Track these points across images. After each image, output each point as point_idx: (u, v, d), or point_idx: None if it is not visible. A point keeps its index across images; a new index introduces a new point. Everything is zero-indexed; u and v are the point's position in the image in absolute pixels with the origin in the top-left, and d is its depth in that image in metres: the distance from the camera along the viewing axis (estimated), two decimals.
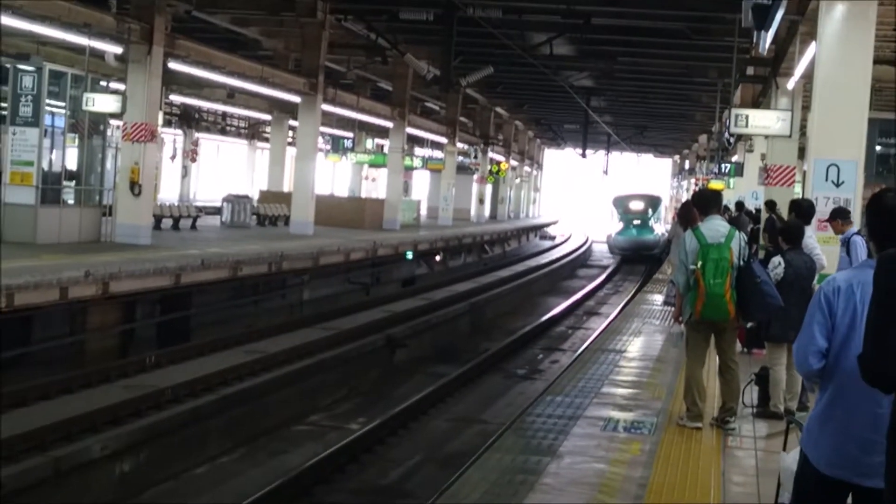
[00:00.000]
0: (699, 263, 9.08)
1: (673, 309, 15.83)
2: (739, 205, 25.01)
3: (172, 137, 49.18)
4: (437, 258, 38.66)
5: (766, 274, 9.45)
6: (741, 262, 9.15)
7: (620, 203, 56.42)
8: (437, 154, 51.03)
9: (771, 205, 18.91)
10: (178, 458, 13.61)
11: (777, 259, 10.19)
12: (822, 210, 12.82)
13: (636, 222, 54.05)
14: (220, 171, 57.02)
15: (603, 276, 44.34)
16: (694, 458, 8.57)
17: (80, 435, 12.37)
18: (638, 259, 50.48)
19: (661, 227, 54.01)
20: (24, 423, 12.24)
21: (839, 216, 11.73)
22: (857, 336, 4.25)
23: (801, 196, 15.61)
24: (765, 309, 9.24)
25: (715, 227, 9.36)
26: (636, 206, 55.52)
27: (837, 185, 13.34)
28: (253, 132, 56.46)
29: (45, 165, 21.48)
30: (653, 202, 57.07)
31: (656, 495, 7.44)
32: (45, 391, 14.17)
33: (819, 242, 11.76)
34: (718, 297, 9.03)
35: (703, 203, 9.86)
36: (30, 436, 11.76)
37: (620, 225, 54.56)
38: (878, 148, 23.22)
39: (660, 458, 8.51)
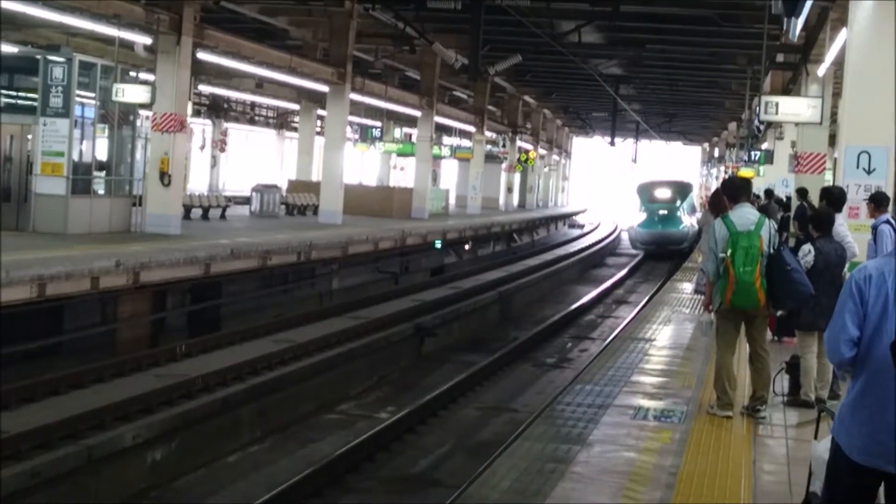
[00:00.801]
0: (729, 251, 9.05)
1: (703, 297, 15.87)
2: (768, 192, 24.85)
3: (201, 127, 49.35)
4: (466, 247, 38.66)
5: (797, 262, 9.41)
6: (771, 250, 9.12)
7: (645, 191, 49.86)
8: (466, 143, 51.03)
9: (802, 192, 18.83)
10: (210, 446, 13.69)
11: (807, 247, 10.15)
12: (853, 198, 12.75)
13: (662, 213, 47.13)
14: (249, 161, 57.13)
15: (632, 265, 44.23)
16: (724, 446, 8.56)
17: (113, 423, 12.46)
18: (664, 255, 44.57)
19: (691, 218, 47.41)
20: (58, 412, 12.35)
21: (873, 201, 11.67)
22: (888, 324, 4.25)
23: (831, 183, 15.52)
24: (795, 297, 9.19)
25: (745, 215, 9.32)
26: (663, 194, 48.86)
27: (869, 172, 13.24)
28: (281, 122, 56.53)
29: (75, 156, 21.61)
30: (682, 190, 50.64)
31: (686, 484, 7.44)
32: (78, 380, 14.27)
33: (850, 230, 11.68)
34: (748, 285, 9.00)
35: (733, 191, 9.82)
36: (64, 424, 11.86)
37: (644, 216, 47.93)
38: None
39: (690, 446, 8.50)
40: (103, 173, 22.98)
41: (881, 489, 4.39)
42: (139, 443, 12.36)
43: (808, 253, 10.00)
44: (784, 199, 24.47)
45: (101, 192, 22.90)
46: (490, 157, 52.72)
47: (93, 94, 22.12)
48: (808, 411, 9.63)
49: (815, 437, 6.29)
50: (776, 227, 9.67)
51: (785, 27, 12.60)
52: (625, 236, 58.23)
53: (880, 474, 4.28)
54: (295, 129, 51.23)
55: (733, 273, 9.00)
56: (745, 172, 33.18)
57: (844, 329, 4.39)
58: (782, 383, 10.28)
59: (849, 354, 4.40)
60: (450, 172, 64.01)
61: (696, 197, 56.83)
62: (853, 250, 10.95)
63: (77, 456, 11.37)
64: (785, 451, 8.62)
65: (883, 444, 4.24)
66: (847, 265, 10.38)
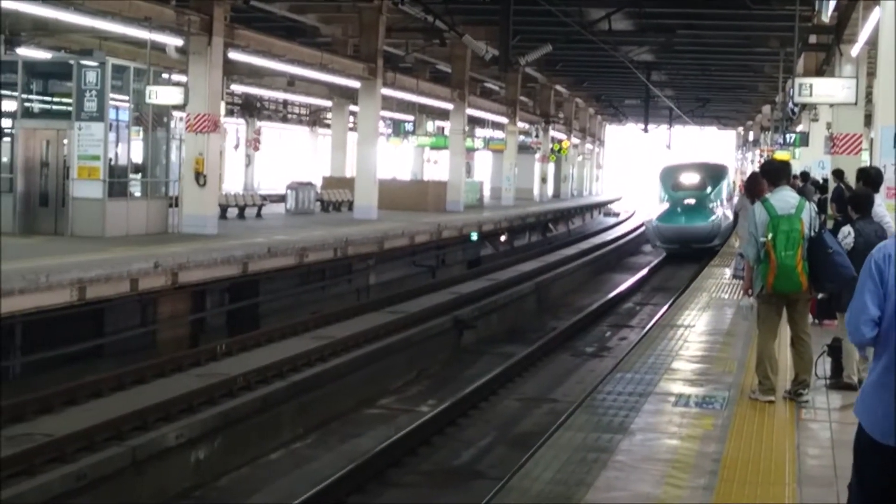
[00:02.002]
0: (769, 235, 8.97)
1: (741, 282, 15.77)
2: (804, 175, 24.64)
3: (235, 127, 49.57)
4: (502, 238, 38.63)
5: (838, 244, 9.33)
6: (812, 233, 9.04)
7: (669, 176, 40.82)
8: (499, 134, 50.97)
9: (838, 174, 18.66)
10: (253, 444, 13.74)
11: (847, 228, 10.06)
12: (891, 178, 12.62)
13: (688, 202, 38.27)
14: (283, 159, 57.32)
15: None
16: (767, 431, 8.51)
17: (156, 424, 12.53)
18: (689, 255, 36.60)
19: (725, 208, 39.06)
20: (102, 414, 12.43)
21: None
22: None
23: (868, 164, 15.38)
24: (838, 279, 9.10)
25: (785, 199, 9.24)
26: (689, 179, 40.04)
27: None
28: (314, 119, 56.72)
29: (111, 159, 21.74)
30: (714, 174, 41.35)
31: (730, 470, 7.40)
32: (120, 382, 14.36)
33: (889, 210, 11.58)
34: (790, 269, 8.93)
35: (773, 174, 9.73)
36: (107, 425, 11.93)
37: (665, 207, 39.09)
38: None
39: (733, 432, 8.45)
40: (139, 175, 23.11)
41: None
42: (182, 442, 12.41)
43: (847, 234, 9.92)
44: (821, 181, 24.27)
45: (138, 194, 23.03)
46: (523, 148, 52.68)
47: (126, 98, 22.24)
48: (851, 394, 9.54)
49: None
50: (816, 209, 9.60)
51: (817, 8, 12.53)
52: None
53: None
54: (328, 126, 51.35)
55: (774, 257, 8.93)
56: (780, 155, 32.94)
57: (865, 309, 4.37)
58: (824, 366, 10.21)
59: (870, 334, 4.37)
60: (483, 164, 63.96)
61: (732, 181, 48.99)
62: (892, 230, 10.85)
63: (121, 457, 11.43)
64: (829, 434, 8.56)
65: None
66: None
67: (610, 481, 7.14)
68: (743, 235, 15.44)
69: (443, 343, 21.03)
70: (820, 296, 10.53)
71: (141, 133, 23.12)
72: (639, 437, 8.33)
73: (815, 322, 12.71)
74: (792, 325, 9.47)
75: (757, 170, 27.40)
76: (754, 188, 15.16)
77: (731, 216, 35.75)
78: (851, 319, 4.47)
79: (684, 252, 37.53)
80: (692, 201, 38.27)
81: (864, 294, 4.38)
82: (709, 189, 39.38)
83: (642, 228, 49.69)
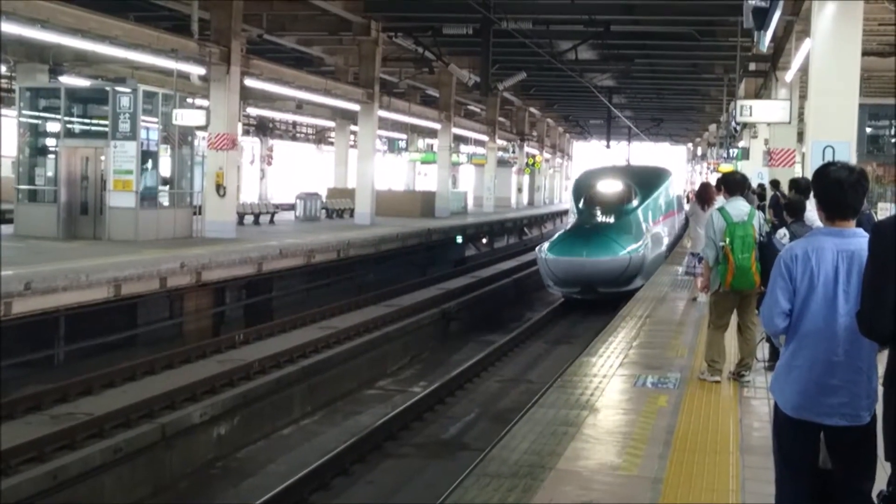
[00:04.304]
0: (727, 240, 9.02)
1: (692, 278, 15.79)
2: (775, 183, 22.25)
3: (250, 145, 49.35)
4: (484, 241, 38.61)
5: (783, 247, 9.36)
6: (762, 238, 9.10)
7: (583, 185, 26.67)
8: (480, 150, 50.90)
9: (775, 183, 18.70)
10: (267, 421, 13.75)
11: (783, 231, 10.09)
12: None
13: (601, 219, 24.46)
14: (293, 173, 57.15)
15: None
16: (714, 408, 8.53)
17: (183, 404, 12.54)
18: (597, 303, 23.03)
19: (663, 227, 26.76)
20: (136, 395, 12.44)
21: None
22: (814, 296, 4.29)
23: (800, 175, 15.43)
24: None
25: (738, 207, 9.29)
26: (609, 188, 25.79)
27: None
28: (319, 137, 56.53)
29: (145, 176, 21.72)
30: (646, 182, 26.81)
31: (682, 441, 7.42)
32: (151, 367, 14.35)
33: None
34: (746, 270, 8.97)
35: (733, 185, 9.75)
36: (141, 405, 11.93)
37: (565, 230, 25.27)
38: (868, 130, 22.90)
39: (684, 408, 8.47)
40: (167, 187, 23.07)
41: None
42: (206, 420, 12.42)
43: (784, 236, 9.94)
44: (758, 189, 24.28)
45: (166, 203, 22.98)
46: (502, 162, 52.68)
47: (156, 119, 22.19)
48: None
49: None
50: (764, 217, 9.64)
51: (756, 39, 12.52)
52: None
53: (814, 426, 4.27)
54: (331, 144, 51.21)
55: (733, 260, 8.97)
56: (724, 168, 32.99)
57: (777, 303, 4.41)
58: (763, 351, 10.24)
59: (782, 325, 4.42)
60: (467, 176, 63.85)
61: (683, 191, 40.29)
62: None
63: (153, 433, 11.44)
64: (767, 409, 8.56)
65: (812, 399, 4.25)
66: None
67: (578, 451, 7.15)
68: (695, 238, 15.49)
69: (433, 332, 21.05)
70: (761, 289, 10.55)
71: (168, 150, 23.08)
72: (603, 413, 8.35)
73: (756, 312, 12.76)
74: (741, 316, 9.49)
75: (706, 180, 27.42)
76: (705, 195, 15.27)
77: (666, 240, 26.30)
78: (766, 312, 4.52)
79: (589, 300, 23.40)
80: (608, 220, 24.15)
81: (776, 290, 4.42)
82: (634, 203, 24.93)
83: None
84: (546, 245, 23.57)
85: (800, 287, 4.36)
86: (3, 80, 30.92)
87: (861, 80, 13.91)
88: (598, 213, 24.66)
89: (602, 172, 28.21)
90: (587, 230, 23.67)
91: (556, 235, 24.44)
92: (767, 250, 9.02)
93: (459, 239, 33.84)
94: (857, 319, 3.80)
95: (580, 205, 25.41)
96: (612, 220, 24.17)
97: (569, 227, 24.98)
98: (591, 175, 27.66)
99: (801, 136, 24.05)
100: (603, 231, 23.41)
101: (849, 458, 4.25)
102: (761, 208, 19.79)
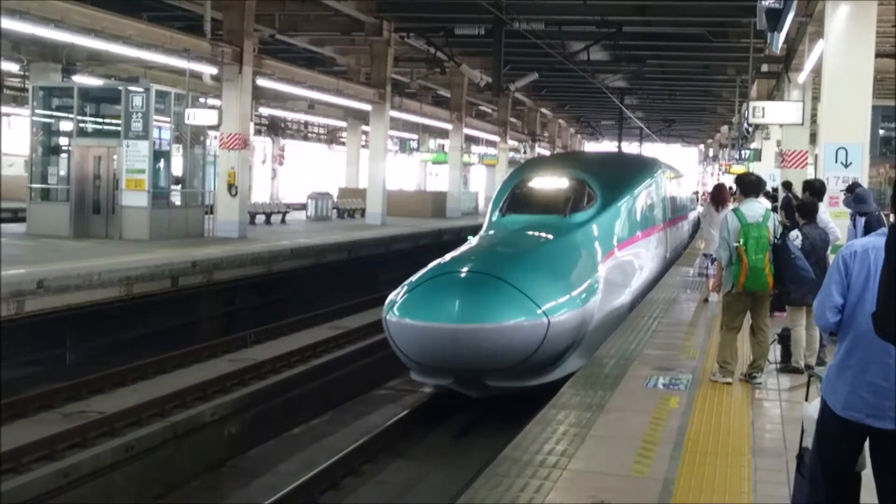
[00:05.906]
0: (741, 241, 8.99)
1: (705, 279, 15.73)
2: (787, 184, 22.10)
3: (262, 144, 49.45)
4: None
5: (799, 250, 9.34)
6: (776, 240, 9.06)
7: (506, 186, 16.37)
8: (491, 151, 50.92)
9: (787, 185, 18.64)
10: (278, 421, 13.73)
11: (795, 233, 10.06)
12: (832, 188, 12.69)
13: (510, 245, 13.65)
14: (304, 172, 57.23)
15: None
16: (726, 409, 8.50)
17: (194, 402, 12.54)
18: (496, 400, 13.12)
19: (647, 249, 17.12)
20: (147, 394, 12.45)
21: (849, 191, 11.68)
22: (870, 294, 4.25)
23: (813, 177, 15.39)
24: (798, 281, 9.13)
25: (753, 208, 9.26)
26: (545, 184, 15.51)
27: (846, 165, 13.18)
28: (331, 137, 56.62)
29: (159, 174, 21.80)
30: (613, 178, 16.34)
31: (694, 442, 7.40)
32: (163, 366, 14.36)
33: (831, 217, 11.61)
34: (759, 271, 8.94)
35: (749, 187, 9.72)
36: (152, 404, 11.94)
37: (445, 258, 13.55)
38: (881, 132, 22.92)
39: (696, 410, 8.45)
40: (179, 187, 23.12)
41: (867, 444, 4.36)
42: (217, 419, 12.41)
43: (796, 238, 9.92)
44: (771, 191, 24.22)
45: (178, 203, 23.03)
46: (513, 163, 52.51)
47: (168, 119, 22.26)
48: (799, 377, 9.56)
49: (806, 399, 6.22)
50: (779, 219, 9.62)
51: (768, 41, 12.52)
52: None
53: (862, 427, 4.26)
54: (343, 144, 51.32)
55: (746, 260, 8.94)
56: (736, 169, 32.94)
57: (830, 297, 4.42)
58: (775, 353, 10.21)
59: (833, 319, 4.42)
60: (478, 177, 63.86)
61: (663, 187, 31.64)
62: (836, 234, 10.90)
63: (164, 431, 11.44)
64: (779, 411, 8.56)
65: (863, 400, 4.24)
66: (829, 248, 10.30)
67: (589, 452, 7.13)
68: (708, 238, 15.42)
69: None
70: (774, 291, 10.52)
71: (181, 150, 23.14)
72: (614, 414, 8.33)
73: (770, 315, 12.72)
74: (754, 317, 9.46)
75: (720, 181, 27.34)
76: (718, 196, 15.22)
77: (640, 276, 16.46)
78: (818, 306, 4.52)
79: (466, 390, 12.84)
80: (522, 245, 13.77)
81: (830, 285, 4.44)
82: (585, 212, 14.71)
83: None
84: (398, 296, 12.68)
85: (855, 283, 4.37)
86: (12, 79, 31.07)
87: (874, 82, 13.89)
88: (513, 232, 14.44)
89: (546, 162, 20.14)
90: (475, 264, 12.59)
91: (417, 275, 13.09)
92: (782, 252, 9.00)
93: (470, 237, 33.74)
94: (871, 320, 3.78)
95: (493, 216, 15.80)
96: (530, 245, 13.73)
97: (444, 258, 13.58)
98: (529, 167, 17.94)
99: (813, 138, 23.99)
100: (502, 269, 12.00)
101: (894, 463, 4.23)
102: (773, 210, 19.80)
